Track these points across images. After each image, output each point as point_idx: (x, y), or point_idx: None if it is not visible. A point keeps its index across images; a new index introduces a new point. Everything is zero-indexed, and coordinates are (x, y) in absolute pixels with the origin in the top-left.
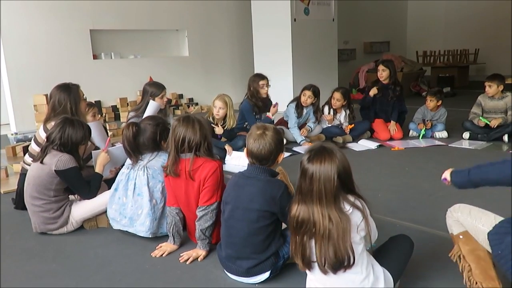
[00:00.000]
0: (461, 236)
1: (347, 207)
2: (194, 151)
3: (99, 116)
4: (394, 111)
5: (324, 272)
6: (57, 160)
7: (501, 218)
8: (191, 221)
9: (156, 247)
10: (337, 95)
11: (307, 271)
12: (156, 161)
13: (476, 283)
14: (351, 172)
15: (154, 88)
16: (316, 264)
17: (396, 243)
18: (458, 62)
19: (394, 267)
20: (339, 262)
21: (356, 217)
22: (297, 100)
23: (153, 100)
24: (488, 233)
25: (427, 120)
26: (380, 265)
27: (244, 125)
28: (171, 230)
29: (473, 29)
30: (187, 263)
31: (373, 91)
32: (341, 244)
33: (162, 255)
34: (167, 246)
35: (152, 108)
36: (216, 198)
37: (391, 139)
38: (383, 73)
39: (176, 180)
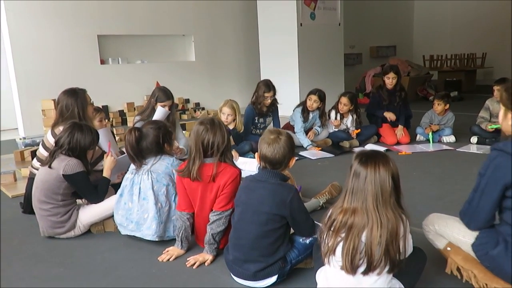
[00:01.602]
0: (448, 248)
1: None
2: (220, 155)
3: (106, 121)
4: (401, 116)
5: (349, 271)
6: (65, 164)
7: None
8: (202, 225)
9: (163, 252)
10: (344, 99)
11: (327, 265)
12: (160, 165)
13: (486, 285)
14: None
15: (161, 94)
16: (337, 260)
17: (411, 256)
18: (465, 66)
19: (409, 281)
20: (368, 263)
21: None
22: (303, 104)
23: (156, 103)
24: (472, 246)
25: (433, 124)
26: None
27: (251, 130)
28: (179, 235)
29: (480, 33)
30: (194, 267)
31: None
32: (373, 246)
33: (169, 259)
34: (174, 251)
35: (160, 113)
36: (232, 205)
37: (398, 143)
38: (393, 81)
39: (191, 184)
